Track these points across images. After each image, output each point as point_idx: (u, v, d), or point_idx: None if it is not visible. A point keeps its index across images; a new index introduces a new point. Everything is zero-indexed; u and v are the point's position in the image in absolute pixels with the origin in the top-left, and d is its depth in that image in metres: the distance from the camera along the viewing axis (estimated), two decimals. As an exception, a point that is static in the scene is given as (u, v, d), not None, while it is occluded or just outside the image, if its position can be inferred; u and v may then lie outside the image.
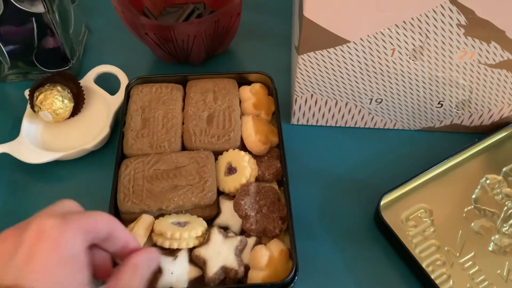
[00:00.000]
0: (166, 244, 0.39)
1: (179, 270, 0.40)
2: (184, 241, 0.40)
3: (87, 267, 0.28)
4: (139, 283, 0.31)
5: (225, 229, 0.44)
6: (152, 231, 0.42)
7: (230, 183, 0.46)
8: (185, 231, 0.40)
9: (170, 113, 0.50)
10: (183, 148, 0.49)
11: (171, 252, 0.41)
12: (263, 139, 0.48)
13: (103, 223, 0.30)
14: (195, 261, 0.41)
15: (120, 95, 0.54)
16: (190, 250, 0.41)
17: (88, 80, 0.55)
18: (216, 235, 0.42)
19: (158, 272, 0.40)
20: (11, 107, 0.57)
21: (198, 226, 0.41)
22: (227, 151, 0.48)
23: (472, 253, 0.45)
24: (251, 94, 0.52)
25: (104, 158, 0.52)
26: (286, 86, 0.58)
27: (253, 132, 0.49)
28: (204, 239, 0.42)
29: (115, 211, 0.44)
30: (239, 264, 0.40)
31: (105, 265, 0.33)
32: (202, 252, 0.41)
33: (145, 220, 0.42)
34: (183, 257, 0.40)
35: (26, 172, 0.51)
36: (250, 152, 0.48)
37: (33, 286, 0.25)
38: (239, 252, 0.41)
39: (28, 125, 0.52)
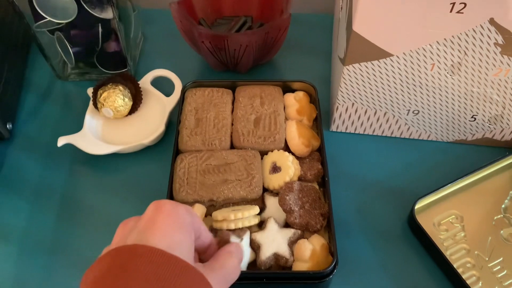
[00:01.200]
0: (232, 226, 0.43)
1: (244, 252, 0.44)
2: (246, 219, 0.44)
3: (193, 235, 0.33)
4: (234, 267, 0.35)
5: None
6: (211, 221, 0.46)
7: (275, 181, 0.50)
8: (245, 210, 0.44)
9: (221, 114, 0.55)
10: (232, 147, 0.53)
11: (238, 235, 0.44)
12: (306, 142, 0.52)
13: (198, 221, 0.34)
14: (251, 244, 0.45)
15: (175, 97, 0.59)
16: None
17: (145, 82, 0.60)
18: (272, 224, 0.45)
19: None
20: (73, 104, 0.63)
21: (252, 208, 0.45)
22: (272, 151, 0.52)
23: (501, 258, 0.48)
24: (295, 101, 0.56)
25: (159, 153, 0.57)
26: (325, 95, 0.62)
27: (296, 135, 0.52)
28: (262, 224, 0.46)
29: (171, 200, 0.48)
30: (290, 254, 0.44)
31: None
32: (258, 237, 0.44)
33: (198, 209, 0.46)
34: (245, 241, 0.44)
35: (88, 162, 0.56)
36: (293, 154, 0.52)
37: (155, 244, 0.29)
38: (291, 243, 0.45)
39: (90, 120, 0.57)
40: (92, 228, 0.51)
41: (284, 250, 0.44)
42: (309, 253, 0.44)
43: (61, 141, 0.54)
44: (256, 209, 0.46)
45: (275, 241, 0.44)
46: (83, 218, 0.52)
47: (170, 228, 0.31)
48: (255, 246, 0.44)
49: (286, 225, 0.48)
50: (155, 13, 0.73)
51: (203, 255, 0.37)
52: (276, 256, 0.44)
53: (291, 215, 0.47)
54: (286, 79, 0.65)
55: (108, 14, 0.56)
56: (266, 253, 0.44)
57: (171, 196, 0.48)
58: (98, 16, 0.56)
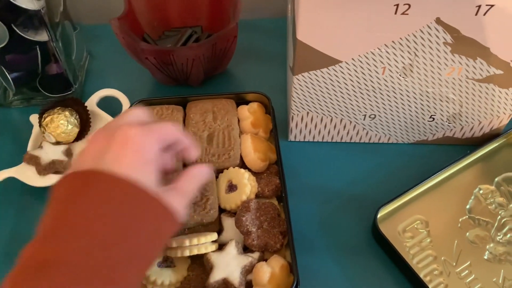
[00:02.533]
0: (187, 253, 0.41)
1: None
2: (203, 246, 0.42)
3: (159, 170, 0.35)
4: (193, 189, 0.38)
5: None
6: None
7: (231, 200, 0.47)
8: (202, 236, 0.42)
9: (171, 134, 0.52)
10: (185, 167, 0.51)
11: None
12: (262, 157, 0.50)
13: (172, 132, 0.37)
14: (205, 263, 0.43)
15: (122, 117, 0.56)
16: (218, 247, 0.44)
17: (91, 104, 0.57)
18: (232, 248, 0.43)
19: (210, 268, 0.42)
20: (16, 132, 0.59)
21: (209, 233, 0.43)
22: (227, 169, 0.50)
23: (468, 262, 0.47)
24: (249, 113, 0.54)
25: (108, 180, 0.54)
26: (283, 104, 0.60)
27: (252, 150, 0.50)
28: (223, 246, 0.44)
29: (120, 231, 0.45)
30: (240, 284, 0.41)
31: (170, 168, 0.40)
32: (214, 257, 0.42)
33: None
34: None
35: (34, 195, 0.53)
36: (249, 169, 0.50)
37: (119, 169, 0.32)
38: (245, 272, 0.42)
39: (33, 149, 0.54)
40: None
41: (235, 278, 0.41)
42: (267, 276, 0.42)
43: (1, 175, 0.51)
44: (214, 236, 0.43)
45: (228, 266, 0.42)
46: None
47: (137, 161, 0.33)
48: (208, 266, 0.42)
49: (245, 247, 0.45)
50: (100, 29, 0.70)
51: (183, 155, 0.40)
52: (226, 282, 0.41)
53: (249, 237, 0.44)
54: (241, 90, 0.63)
55: (43, 36, 0.53)
56: (215, 277, 0.41)
57: (120, 227, 0.45)
58: (33, 39, 0.53)
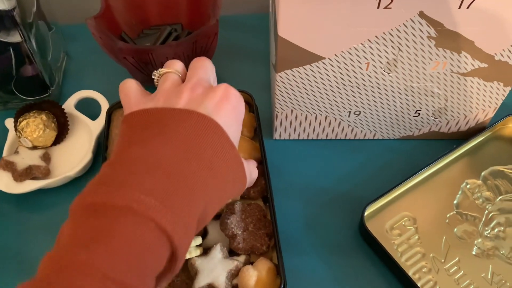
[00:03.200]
0: None
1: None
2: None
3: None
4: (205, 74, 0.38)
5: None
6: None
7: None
8: None
9: (152, 135, 0.50)
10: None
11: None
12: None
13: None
14: (190, 269, 0.41)
15: (102, 119, 0.54)
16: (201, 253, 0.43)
17: (68, 106, 0.55)
18: (217, 252, 0.42)
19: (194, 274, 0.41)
20: (-9, 137, 0.57)
21: (193, 237, 0.41)
22: (210, 170, 0.48)
23: (457, 258, 0.46)
24: (232, 112, 0.53)
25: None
26: (267, 102, 0.59)
27: None
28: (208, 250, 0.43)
29: (101, 238, 0.44)
30: None
31: None
32: (198, 262, 0.41)
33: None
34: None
35: (10, 202, 0.51)
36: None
37: (219, 122, 0.33)
38: (231, 276, 0.41)
39: (8, 155, 0.52)
40: (19, 276, 0.46)
41: (220, 283, 0.40)
42: (254, 280, 0.41)
43: (-25, 182, 0.49)
44: (198, 240, 0.42)
45: (213, 271, 0.41)
46: (6, 265, 0.47)
47: (233, 119, 0.35)
48: (192, 272, 0.41)
49: (231, 250, 0.44)
50: (78, 29, 0.67)
51: None
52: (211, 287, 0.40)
53: (234, 240, 0.43)
54: (223, 88, 0.62)
55: (15, 37, 0.51)
56: (200, 282, 0.40)
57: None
58: (5, 40, 0.51)
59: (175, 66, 0.39)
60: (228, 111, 0.35)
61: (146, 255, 0.27)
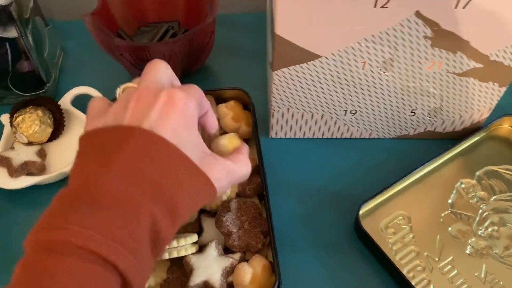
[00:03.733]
0: (166, 256, 0.40)
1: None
2: (182, 248, 0.40)
3: (197, 129, 0.35)
4: (242, 163, 0.39)
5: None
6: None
7: (211, 201, 0.46)
8: (181, 238, 0.40)
9: (149, 132, 0.50)
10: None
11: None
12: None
13: (204, 98, 0.37)
14: (185, 266, 0.41)
15: (98, 116, 0.54)
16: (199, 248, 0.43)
17: (65, 103, 0.55)
18: (212, 250, 0.42)
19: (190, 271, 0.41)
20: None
21: (189, 235, 0.42)
22: (207, 168, 0.48)
23: (451, 257, 0.46)
24: (227, 109, 0.53)
25: (84, 181, 0.52)
26: (263, 100, 0.59)
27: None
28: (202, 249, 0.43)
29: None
30: (221, 286, 0.40)
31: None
32: (193, 260, 0.41)
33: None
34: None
35: (5, 198, 0.51)
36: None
37: (164, 136, 0.31)
38: (226, 273, 0.41)
39: (4, 150, 0.52)
40: (11, 272, 0.46)
41: (215, 280, 0.40)
42: (249, 277, 0.41)
43: (-30, 177, 0.49)
44: (194, 237, 0.42)
45: (208, 269, 0.41)
46: (1, 262, 0.47)
47: (180, 126, 0.33)
48: (188, 269, 0.41)
49: (226, 248, 0.44)
50: (74, 25, 0.67)
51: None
52: (206, 285, 0.40)
53: (229, 238, 0.43)
54: (220, 86, 0.62)
55: (12, 33, 0.51)
56: (196, 280, 0.40)
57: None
58: (1, 35, 0.51)
59: (152, 74, 0.36)
60: (174, 118, 0.32)
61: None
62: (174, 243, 0.41)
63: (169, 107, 0.32)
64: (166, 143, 0.31)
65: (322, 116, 0.52)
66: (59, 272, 0.27)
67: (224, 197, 0.46)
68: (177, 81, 0.38)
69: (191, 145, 0.33)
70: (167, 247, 0.40)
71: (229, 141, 0.44)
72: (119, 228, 0.29)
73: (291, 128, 0.55)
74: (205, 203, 0.36)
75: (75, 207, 0.29)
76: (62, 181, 0.52)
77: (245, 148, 0.42)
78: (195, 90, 0.36)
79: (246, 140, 0.54)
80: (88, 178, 0.30)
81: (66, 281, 0.27)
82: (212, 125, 0.40)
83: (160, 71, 0.36)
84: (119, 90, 0.38)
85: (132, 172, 0.30)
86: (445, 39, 0.43)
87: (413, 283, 0.43)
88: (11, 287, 0.27)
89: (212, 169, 0.34)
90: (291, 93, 0.49)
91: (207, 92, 0.54)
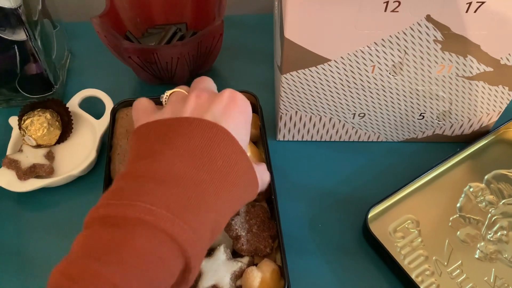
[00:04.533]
0: None
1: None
2: None
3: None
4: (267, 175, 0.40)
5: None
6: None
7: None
8: None
9: (157, 135, 0.50)
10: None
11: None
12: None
13: None
14: None
15: (106, 118, 0.54)
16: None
17: (73, 105, 0.55)
18: (221, 253, 0.42)
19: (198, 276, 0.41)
20: (-4, 135, 0.57)
21: None
22: (215, 171, 0.48)
23: (460, 262, 0.46)
24: (236, 113, 0.53)
25: (92, 183, 0.52)
26: (271, 102, 0.59)
27: None
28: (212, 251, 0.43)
29: (105, 237, 0.44)
30: None
31: None
32: (202, 264, 0.41)
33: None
34: (220, 253, 0.42)
35: (13, 200, 0.51)
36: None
37: (227, 128, 0.33)
38: (235, 277, 0.41)
39: (12, 153, 0.52)
40: (22, 275, 0.46)
41: (224, 284, 0.40)
42: (258, 282, 0.41)
43: (-22, 180, 0.49)
44: None
45: (218, 272, 0.41)
46: (9, 264, 0.47)
47: (241, 123, 0.35)
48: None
49: (234, 252, 0.44)
50: (82, 27, 0.67)
51: None
52: None
53: (238, 242, 0.43)
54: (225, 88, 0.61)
55: (21, 35, 0.51)
56: (205, 284, 0.40)
57: (105, 233, 0.44)
58: (10, 38, 0.51)
59: (203, 83, 0.39)
60: (236, 115, 0.34)
61: (158, 267, 0.27)
62: None
63: (232, 104, 0.35)
64: (231, 136, 0.33)
65: (330, 119, 0.52)
66: (127, 248, 0.27)
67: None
68: None
69: (245, 144, 0.35)
70: None
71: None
72: (190, 211, 0.29)
73: (298, 131, 0.54)
74: (247, 202, 0.38)
75: (144, 184, 0.29)
76: (71, 184, 0.52)
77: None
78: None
79: (254, 142, 0.54)
80: (155, 158, 0.31)
81: (133, 257, 0.27)
82: None
83: (210, 82, 0.40)
84: (166, 94, 0.39)
85: (199, 158, 0.31)
86: (456, 43, 0.43)
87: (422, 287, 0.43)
88: (73, 260, 0.27)
89: (261, 171, 0.37)
90: (300, 96, 0.49)
91: (215, 94, 0.54)
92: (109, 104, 0.56)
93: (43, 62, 0.55)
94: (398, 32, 0.42)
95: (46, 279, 0.29)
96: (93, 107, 0.57)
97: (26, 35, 0.51)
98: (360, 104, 0.50)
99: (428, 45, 0.43)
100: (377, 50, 0.44)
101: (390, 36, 0.42)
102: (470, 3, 0.39)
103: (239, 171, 0.33)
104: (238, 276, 0.42)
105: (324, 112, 0.51)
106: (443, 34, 0.42)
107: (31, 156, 0.51)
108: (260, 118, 0.52)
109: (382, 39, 0.43)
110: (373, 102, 0.50)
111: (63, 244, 0.47)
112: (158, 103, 0.40)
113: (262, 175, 0.38)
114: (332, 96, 0.49)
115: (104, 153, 0.54)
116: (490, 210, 0.50)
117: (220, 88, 0.61)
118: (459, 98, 0.49)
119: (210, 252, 0.43)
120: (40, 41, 0.54)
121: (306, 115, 0.52)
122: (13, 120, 0.54)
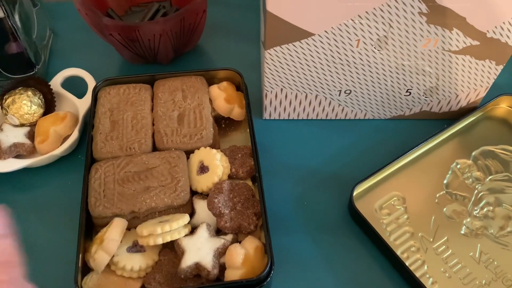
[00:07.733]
0: (160, 241, 0.40)
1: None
2: (176, 231, 0.40)
3: None
4: None
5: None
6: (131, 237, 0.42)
7: (203, 182, 0.46)
8: (173, 222, 0.40)
9: (139, 114, 0.50)
10: (155, 149, 0.49)
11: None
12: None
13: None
14: (176, 249, 0.41)
15: (88, 98, 0.53)
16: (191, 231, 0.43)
17: (55, 84, 0.54)
18: (203, 231, 0.42)
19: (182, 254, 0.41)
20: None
21: (181, 217, 0.41)
22: (198, 149, 0.48)
23: (445, 238, 0.46)
24: (219, 91, 0.52)
25: (74, 163, 0.51)
26: (257, 81, 0.58)
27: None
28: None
29: (87, 216, 0.43)
30: (213, 267, 0.40)
31: None
32: (185, 242, 0.41)
33: (118, 223, 0.42)
34: (203, 230, 0.42)
35: (-6, 181, 0.50)
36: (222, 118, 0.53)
37: None
38: (218, 254, 0.41)
39: (-6, 134, 0.51)
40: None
41: (207, 261, 0.40)
42: (241, 258, 0.40)
43: (-43, 161, 0.48)
44: (186, 218, 0.42)
45: (200, 250, 0.40)
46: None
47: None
48: (179, 251, 0.41)
49: (219, 230, 0.44)
50: (64, 6, 0.66)
51: None
52: (198, 266, 0.40)
53: (221, 219, 0.43)
54: (212, 67, 0.61)
55: (-2, 12, 0.49)
56: (187, 262, 0.40)
57: (86, 212, 0.43)
58: (-13, 16, 0.49)
59: None
60: None
61: None
62: (167, 227, 0.40)
63: None
64: None
65: (316, 97, 0.51)
66: None
67: (216, 179, 0.45)
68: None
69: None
70: (159, 231, 0.40)
71: None
72: None
73: (284, 109, 0.54)
74: None
75: None
76: (53, 164, 0.51)
77: None
78: None
79: (239, 122, 0.53)
80: None
81: None
82: None
83: None
84: None
85: None
86: (441, 15, 0.42)
87: (407, 264, 0.43)
88: None
89: None
90: (284, 73, 0.48)
91: (199, 72, 0.53)
92: (91, 84, 0.55)
93: (23, 41, 0.54)
94: (382, 4, 0.41)
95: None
96: (76, 87, 0.56)
97: (4, 12, 0.49)
98: (346, 80, 0.49)
99: (413, 18, 0.42)
100: (361, 23, 0.43)
101: (374, 8, 0.41)
102: (455, -27, 0.38)
103: None
104: (222, 253, 0.41)
105: (310, 89, 0.50)
106: (428, 6, 0.41)
107: (11, 135, 0.50)
108: (245, 97, 0.51)
109: (366, 12, 0.42)
110: (358, 78, 0.49)
111: (47, 224, 0.47)
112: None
113: None
114: (317, 72, 0.48)
115: (86, 133, 0.53)
116: (477, 187, 0.49)
117: (205, 66, 0.61)
118: (446, 73, 0.49)
119: (193, 230, 0.43)
120: (19, 18, 0.52)
121: (291, 93, 0.51)
122: (-6, 100, 0.53)
